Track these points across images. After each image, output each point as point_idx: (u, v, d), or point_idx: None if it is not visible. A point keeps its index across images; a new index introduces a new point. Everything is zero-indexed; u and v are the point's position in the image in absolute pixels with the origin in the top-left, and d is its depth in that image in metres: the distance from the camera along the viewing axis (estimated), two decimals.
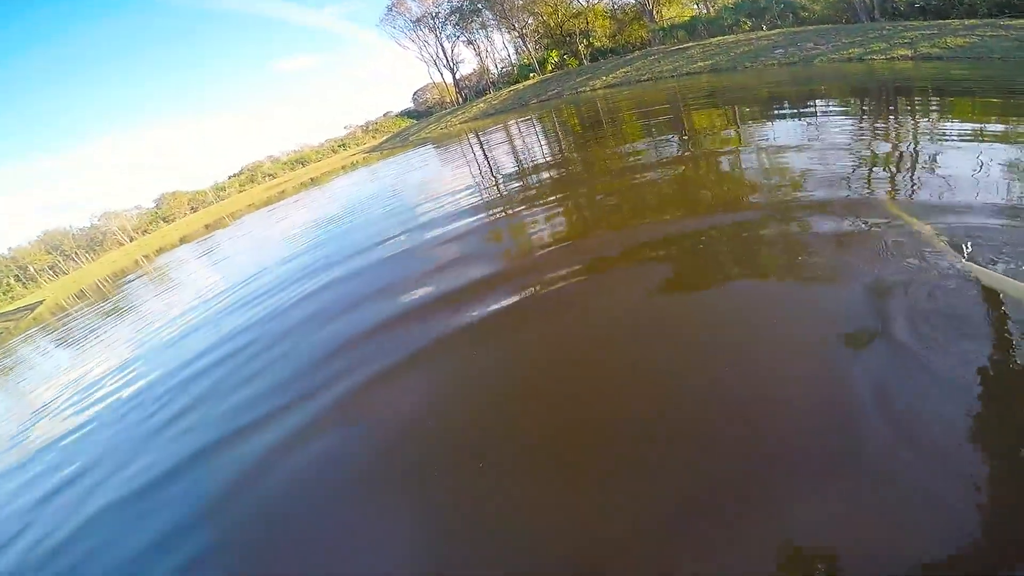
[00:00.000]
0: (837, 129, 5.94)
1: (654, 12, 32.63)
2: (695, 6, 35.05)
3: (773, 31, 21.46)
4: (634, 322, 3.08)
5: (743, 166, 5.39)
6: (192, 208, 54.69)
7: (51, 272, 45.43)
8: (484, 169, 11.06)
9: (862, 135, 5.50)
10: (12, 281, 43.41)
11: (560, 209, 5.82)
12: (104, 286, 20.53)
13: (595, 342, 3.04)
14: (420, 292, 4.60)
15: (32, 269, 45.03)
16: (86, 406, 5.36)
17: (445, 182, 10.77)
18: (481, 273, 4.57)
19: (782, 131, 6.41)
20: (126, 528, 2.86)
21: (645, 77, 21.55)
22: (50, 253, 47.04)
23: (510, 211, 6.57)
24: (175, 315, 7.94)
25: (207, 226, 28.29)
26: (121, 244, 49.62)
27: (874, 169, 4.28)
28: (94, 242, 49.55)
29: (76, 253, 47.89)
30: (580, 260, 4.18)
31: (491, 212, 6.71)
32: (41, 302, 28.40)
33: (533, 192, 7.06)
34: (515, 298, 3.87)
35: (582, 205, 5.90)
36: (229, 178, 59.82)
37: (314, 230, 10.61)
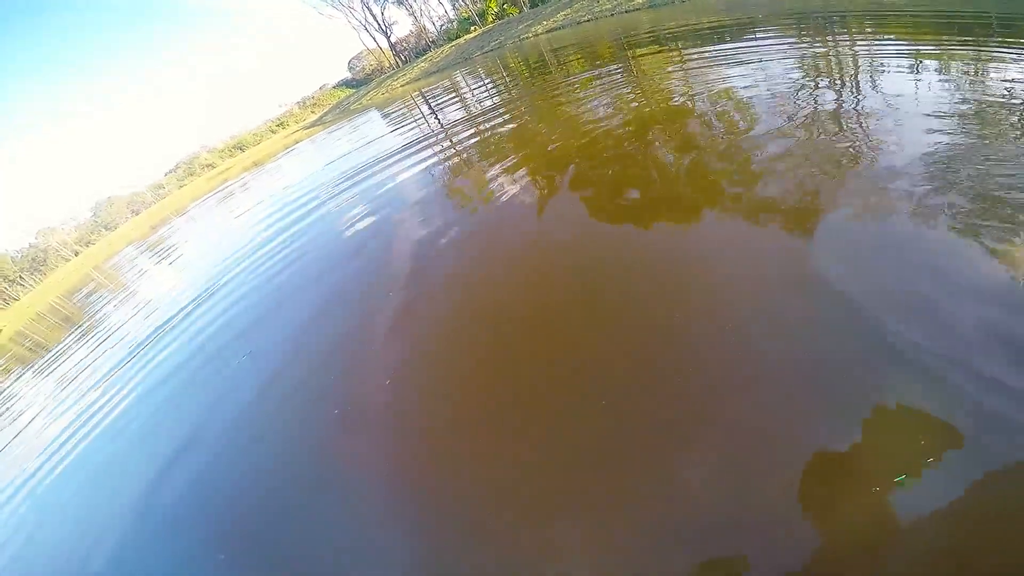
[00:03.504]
0: (782, 59, 6.05)
1: None
2: None
3: None
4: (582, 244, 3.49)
5: (693, 108, 5.57)
6: (133, 211, 51.81)
7: (1, 301, 42.84)
8: (432, 120, 11.16)
9: (804, 62, 5.64)
10: None
11: (506, 141, 6.21)
12: (63, 305, 19.73)
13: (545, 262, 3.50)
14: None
15: None
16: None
17: (398, 137, 10.84)
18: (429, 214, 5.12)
19: (725, 63, 6.60)
20: None
21: (585, 18, 21.27)
22: None
23: (452, 147, 7.21)
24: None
25: (152, 227, 27.09)
26: (66, 260, 46.91)
27: (817, 93, 4.45)
28: (37, 262, 46.69)
29: (20, 276, 45.10)
30: (528, 186, 4.71)
31: (438, 152, 7.28)
32: None
33: (481, 133, 7.41)
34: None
35: (529, 140, 6.22)
36: (165, 175, 56.50)
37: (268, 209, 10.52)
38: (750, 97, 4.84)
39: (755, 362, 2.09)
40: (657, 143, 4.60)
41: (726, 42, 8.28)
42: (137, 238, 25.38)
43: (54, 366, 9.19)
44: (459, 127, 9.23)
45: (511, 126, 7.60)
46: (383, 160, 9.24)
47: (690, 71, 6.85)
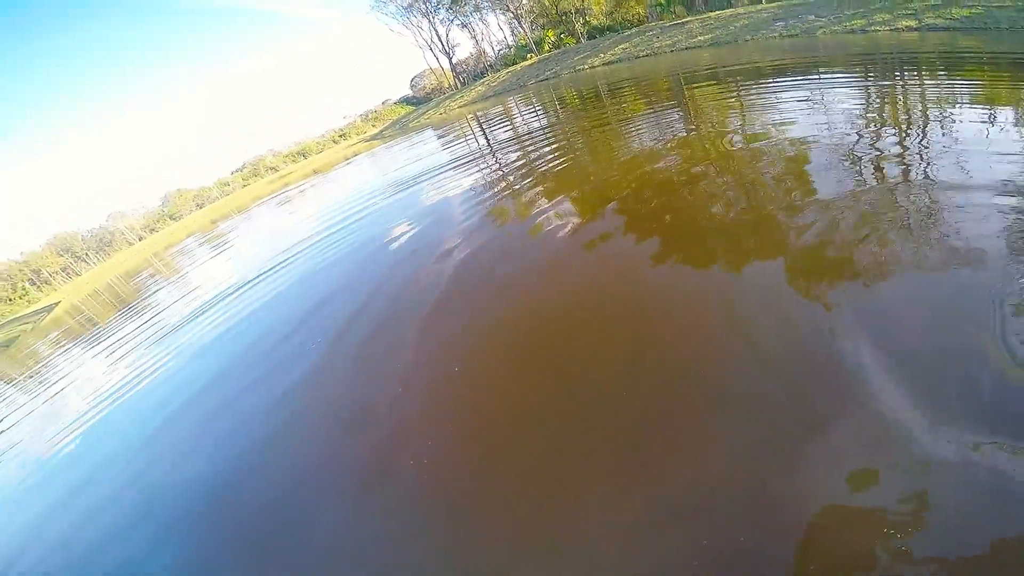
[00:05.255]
0: (842, 102, 5.73)
1: None
2: None
3: (773, 4, 20.82)
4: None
5: (744, 143, 5.33)
6: (198, 205, 55.08)
7: (64, 274, 46.15)
8: (484, 143, 11.25)
9: (868, 108, 5.30)
10: (27, 285, 44.16)
11: (555, 182, 5.99)
12: (119, 284, 20.87)
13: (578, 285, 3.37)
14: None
15: (46, 272, 45.78)
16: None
17: (449, 156, 10.98)
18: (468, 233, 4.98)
19: (783, 103, 6.32)
20: None
21: (644, 53, 21.26)
22: (61, 255, 47.74)
23: (499, 171, 7.19)
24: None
25: (213, 221, 28.55)
26: (130, 243, 50.24)
27: (878, 143, 4.12)
28: (103, 243, 50.22)
29: (87, 254, 48.59)
30: (570, 225, 4.40)
31: (485, 175, 7.24)
32: (57, 304, 28.98)
33: (528, 163, 7.25)
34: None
35: (578, 175, 6.02)
36: (232, 173, 59.99)
37: (314, 223, 10.80)
38: (806, 142, 4.53)
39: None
40: (703, 184, 4.34)
41: (787, 82, 7.99)
42: (198, 230, 26.81)
43: (100, 341, 9.58)
44: (508, 152, 9.26)
45: (557, 156, 7.50)
46: (432, 175, 9.37)
47: (746, 111, 6.59)
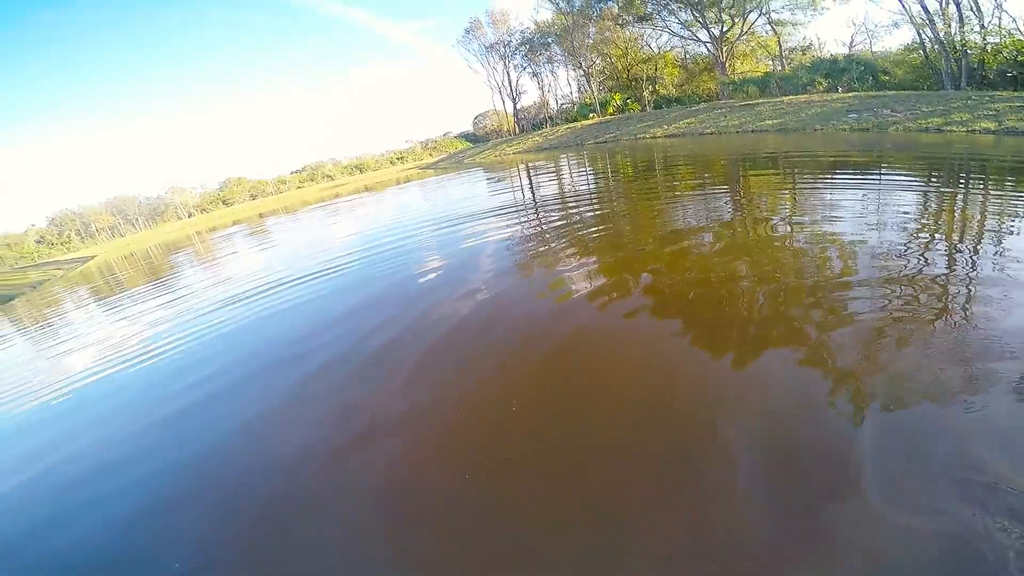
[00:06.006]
0: (898, 205, 5.38)
1: (727, 65, 32.33)
2: (770, 62, 34.30)
3: (849, 94, 20.73)
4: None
5: (787, 235, 5.00)
6: (252, 196, 57.35)
7: (109, 232, 48.21)
8: (528, 196, 11.10)
9: (924, 214, 5.00)
10: (73, 235, 46.39)
11: (592, 258, 5.70)
12: (155, 254, 21.32)
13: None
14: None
15: (94, 227, 47.97)
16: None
17: (489, 203, 10.90)
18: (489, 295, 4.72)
19: (838, 201, 5.95)
20: None
21: (709, 130, 21.23)
22: (114, 215, 50.06)
23: (539, 233, 6.89)
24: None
25: (261, 215, 29.34)
26: (179, 218, 52.39)
27: (925, 257, 3.76)
28: (156, 212, 52.53)
29: (137, 219, 50.81)
30: (596, 304, 4.05)
31: (523, 225, 7.04)
32: (92, 257, 29.95)
33: (566, 231, 6.98)
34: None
35: (614, 257, 5.76)
36: (291, 173, 62.65)
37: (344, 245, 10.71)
38: (854, 241, 4.27)
39: None
40: (735, 272, 4.09)
41: (845, 177, 7.61)
42: (244, 220, 27.44)
43: (119, 305, 9.46)
44: (551, 209, 9.05)
45: (598, 221, 7.25)
46: (472, 219, 9.20)
47: (797, 203, 6.31)
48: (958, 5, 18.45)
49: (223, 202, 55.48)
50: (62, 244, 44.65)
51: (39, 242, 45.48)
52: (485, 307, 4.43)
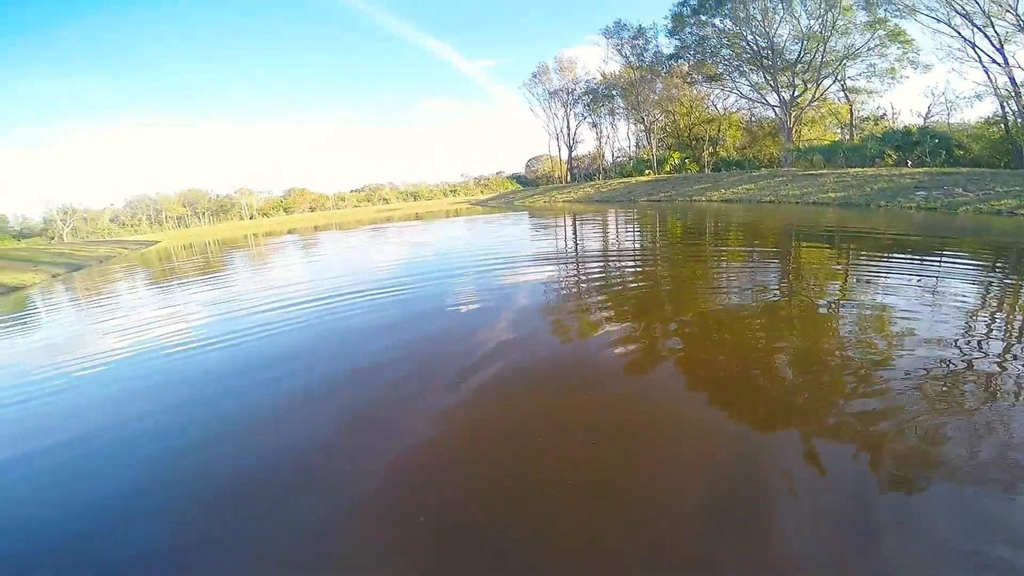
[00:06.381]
0: (955, 294, 5.03)
1: (793, 131, 31.35)
2: (839, 130, 33.05)
3: (919, 169, 19.53)
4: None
5: (834, 319, 4.71)
6: (311, 208, 60.15)
7: (176, 222, 51.46)
8: (572, 247, 10.97)
9: (983, 306, 4.66)
10: (144, 219, 49.96)
11: (624, 306, 5.63)
12: (212, 250, 22.36)
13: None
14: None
15: (164, 215, 51.45)
16: None
17: (532, 248, 10.74)
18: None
19: (891, 284, 5.61)
20: None
21: (768, 198, 20.63)
22: (185, 207, 53.53)
23: (575, 284, 6.90)
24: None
25: (316, 227, 30.52)
26: (241, 219, 55.47)
27: (976, 354, 3.46)
28: (222, 209, 55.78)
29: (204, 214, 54.09)
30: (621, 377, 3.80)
31: (562, 274, 7.16)
32: (157, 243, 31.83)
33: (607, 280, 6.92)
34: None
35: (649, 305, 5.62)
36: (350, 191, 65.58)
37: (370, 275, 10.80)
38: (902, 328, 4.08)
39: None
40: (772, 348, 4.00)
41: (903, 260, 7.12)
42: (299, 231, 28.56)
43: (173, 291, 9.79)
44: (592, 263, 8.91)
45: (638, 280, 7.02)
46: (513, 263, 9.11)
47: (850, 281, 6.03)
48: None
49: (284, 210, 58.32)
50: (132, 226, 48.02)
51: (112, 220, 49.13)
52: (507, 357, 4.21)
